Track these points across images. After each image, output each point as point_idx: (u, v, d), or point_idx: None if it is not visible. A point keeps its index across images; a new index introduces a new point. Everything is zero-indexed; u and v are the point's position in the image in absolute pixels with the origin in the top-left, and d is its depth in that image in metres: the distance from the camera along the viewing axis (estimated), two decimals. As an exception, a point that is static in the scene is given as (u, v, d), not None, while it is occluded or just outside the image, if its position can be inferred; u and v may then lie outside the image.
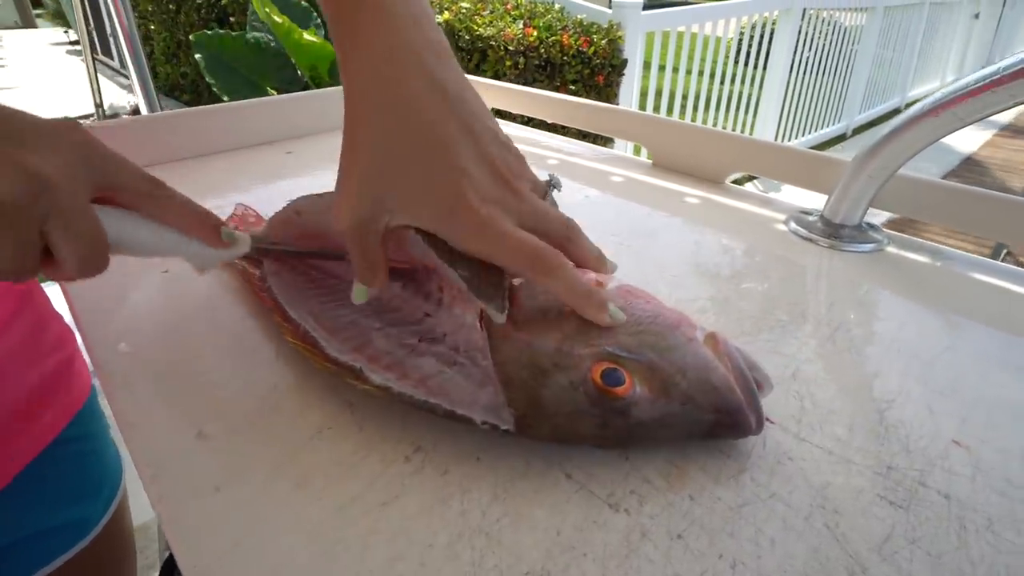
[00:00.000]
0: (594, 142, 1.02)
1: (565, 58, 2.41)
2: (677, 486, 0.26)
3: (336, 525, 0.24)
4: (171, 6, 3.69)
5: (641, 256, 0.45)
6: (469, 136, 0.28)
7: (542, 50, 2.37)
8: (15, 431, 0.40)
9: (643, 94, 2.84)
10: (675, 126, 0.62)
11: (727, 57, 3.06)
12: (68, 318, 0.42)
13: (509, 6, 2.58)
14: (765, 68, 3.32)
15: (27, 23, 6.89)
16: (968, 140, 4.17)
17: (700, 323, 0.28)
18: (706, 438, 0.27)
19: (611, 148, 0.92)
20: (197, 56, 2.70)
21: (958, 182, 0.46)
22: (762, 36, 3.20)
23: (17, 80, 4.20)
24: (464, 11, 2.48)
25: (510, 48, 2.33)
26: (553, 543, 0.23)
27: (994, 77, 0.36)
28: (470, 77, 0.34)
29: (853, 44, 3.78)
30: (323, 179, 0.58)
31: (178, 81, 4.02)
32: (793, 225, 0.50)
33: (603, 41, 2.46)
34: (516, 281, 0.30)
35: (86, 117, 2.12)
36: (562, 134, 0.75)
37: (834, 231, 0.48)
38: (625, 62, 2.58)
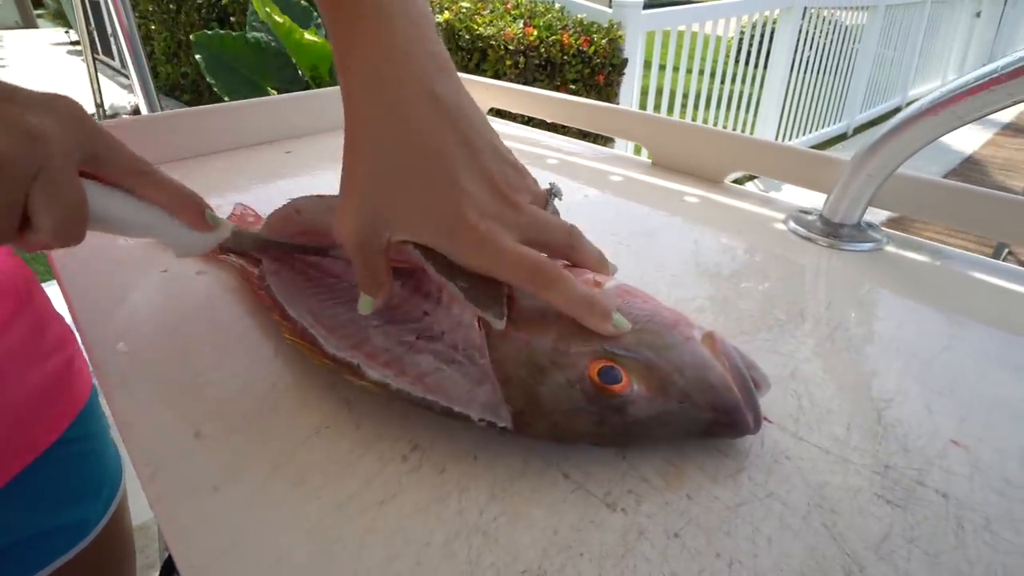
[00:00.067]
0: (594, 142, 1.02)
1: (565, 57, 2.41)
2: (674, 485, 0.26)
3: (334, 524, 0.24)
4: (171, 6, 3.69)
5: (640, 255, 0.45)
6: (468, 150, 0.28)
7: (542, 49, 2.37)
8: (16, 431, 0.40)
9: (643, 93, 2.84)
10: (675, 125, 0.62)
11: (727, 56, 3.05)
12: (68, 318, 0.42)
13: (509, 5, 2.58)
14: (766, 67, 3.32)
15: (28, 23, 6.90)
16: (969, 139, 4.17)
17: (699, 322, 0.28)
18: (704, 437, 0.27)
19: (611, 148, 0.92)
20: (197, 56, 2.71)
21: (959, 181, 0.46)
22: (763, 35, 3.20)
23: (18, 80, 4.13)
24: (464, 11, 2.48)
25: (510, 47, 2.33)
26: (550, 542, 0.23)
27: (993, 76, 0.36)
28: (470, 77, 0.34)
29: (854, 43, 3.77)
30: (322, 179, 0.58)
31: (178, 81, 4.03)
32: (792, 224, 0.50)
33: (603, 40, 2.46)
34: None
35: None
36: (562, 134, 0.75)
37: (833, 230, 0.47)
38: (625, 61, 2.58)
